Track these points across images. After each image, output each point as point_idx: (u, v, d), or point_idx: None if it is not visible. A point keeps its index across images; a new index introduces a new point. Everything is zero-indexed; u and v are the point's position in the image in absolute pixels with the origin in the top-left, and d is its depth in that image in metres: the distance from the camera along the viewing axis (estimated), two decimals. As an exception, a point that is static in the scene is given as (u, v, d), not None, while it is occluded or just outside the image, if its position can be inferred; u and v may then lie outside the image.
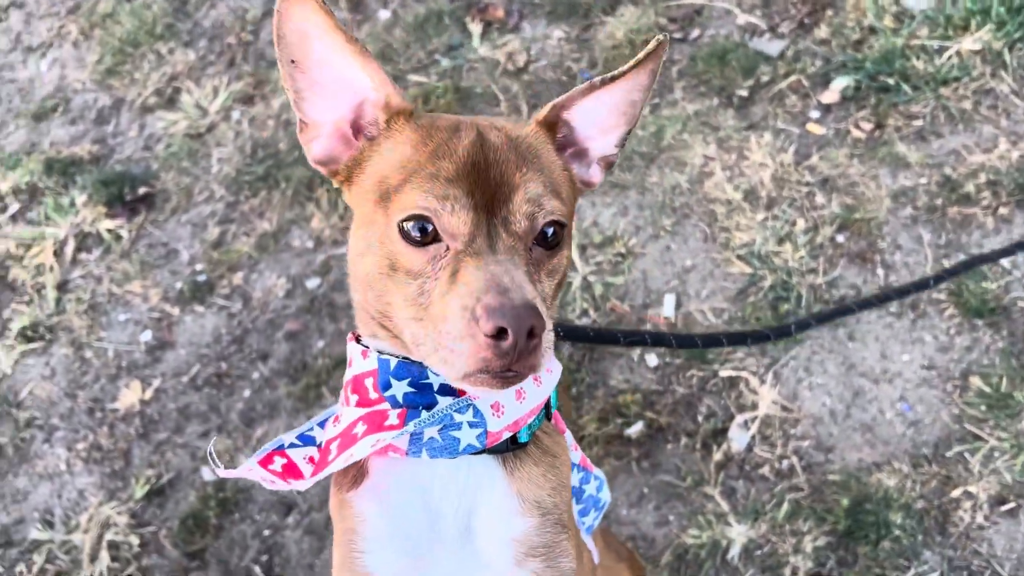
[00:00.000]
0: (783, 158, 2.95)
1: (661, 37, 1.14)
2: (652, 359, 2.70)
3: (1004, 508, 2.30)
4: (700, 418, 2.58)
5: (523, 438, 1.14)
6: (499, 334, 0.92)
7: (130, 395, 2.99)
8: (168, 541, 2.69)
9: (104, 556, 2.67)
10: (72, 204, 3.52)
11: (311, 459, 1.14)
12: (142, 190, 3.51)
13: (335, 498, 1.16)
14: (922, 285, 2.11)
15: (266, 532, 2.65)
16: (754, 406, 2.57)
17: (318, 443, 1.17)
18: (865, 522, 2.31)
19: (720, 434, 2.55)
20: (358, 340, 1.18)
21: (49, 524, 2.79)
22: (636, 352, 2.72)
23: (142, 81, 3.88)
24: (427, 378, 1.08)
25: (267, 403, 2.89)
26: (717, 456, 2.51)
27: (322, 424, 1.19)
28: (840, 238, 2.79)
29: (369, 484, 1.13)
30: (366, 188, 1.11)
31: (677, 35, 3.38)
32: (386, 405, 1.08)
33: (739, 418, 2.56)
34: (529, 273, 1.02)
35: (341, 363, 2.87)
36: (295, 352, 2.97)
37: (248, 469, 1.11)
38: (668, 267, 2.85)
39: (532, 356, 0.95)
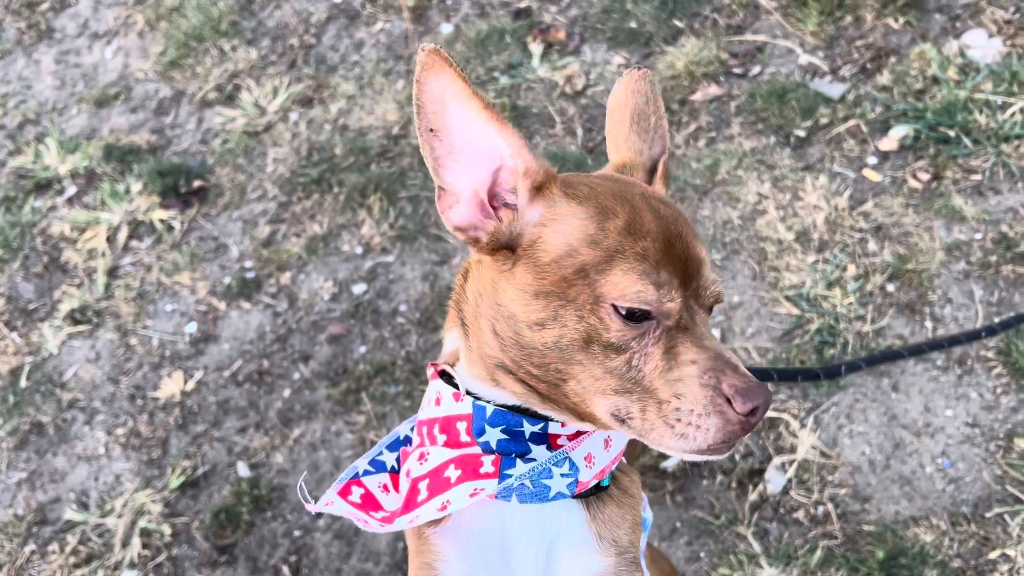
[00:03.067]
0: (838, 202, 2.95)
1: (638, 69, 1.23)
2: (692, 393, 2.69)
3: (1041, 574, 2.28)
4: (737, 456, 2.58)
5: (606, 482, 1.16)
6: (753, 412, 0.99)
7: (171, 385, 3.03)
8: (199, 533, 2.72)
9: (136, 542, 2.71)
10: (127, 191, 3.58)
11: (384, 487, 1.16)
12: (196, 183, 3.57)
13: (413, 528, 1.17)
14: (974, 336, 2.10)
15: (297, 532, 2.68)
16: (792, 449, 2.56)
17: (388, 468, 1.18)
18: (899, 576, 2.29)
19: (756, 474, 2.54)
20: (443, 377, 1.17)
21: (84, 506, 2.83)
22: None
23: (203, 75, 3.95)
24: (521, 426, 1.09)
25: (306, 404, 2.92)
26: (752, 496, 2.51)
27: (392, 447, 1.20)
28: (890, 287, 2.78)
29: (450, 524, 1.14)
30: (546, 262, 1.06)
31: (737, 70, 3.39)
32: (478, 449, 1.10)
33: (776, 460, 2.55)
34: None
35: (381, 370, 2.90)
36: (337, 356, 3.00)
37: (329, 503, 1.12)
38: (714, 302, 2.85)
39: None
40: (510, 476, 1.07)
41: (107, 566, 2.68)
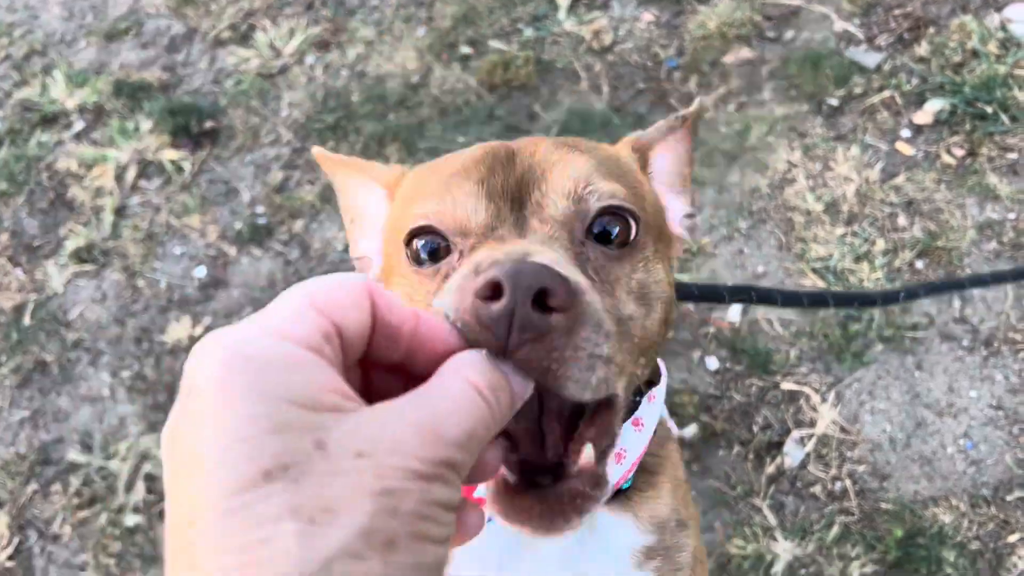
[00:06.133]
0: (869, 174, 2.88)
1: (699, 103, 1.10)
2: (712, 362, 2.65)
3: (1059, 560, 2.26)
4: (756, 428, 2.54)
5: (626, 485, 1.05)
6: (494, 295, 0.62)
7: (179, 329, 2.97)
8: (205, 480, 2.68)
9: (140, 487, 2.67)
10: (137, 129, 3.48)
11: None
12: (208, 124, 3.47)
13: None
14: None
15: (304, 485, 2.64)
16: (812, 423, 2.52)
17: None
18: (916, 556, 2.27)
19: (774, 447, 2.51)
20: None
21: (88, 448, 2.78)
22: (696, 353, 2.67)
23: (217, 13, 3.82)
24: None
25: (316, 355, 2.86)
26: (769, 469, 2.47)
27: None
28: (919, 264, 2.72)
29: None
30: (386, 252, 1.03)
31: (771, 34, 3.29)
32: None
33: (796, 433, 2.51)
34: (580, 267, 0.79)
35: (395, 325, 2.84)
36: (349, 308, 2.93)
37: None
38: (739, 271, 2.79)
39: (556, 343, 0.62)
40: None
41: (111, 509, 2.64)
